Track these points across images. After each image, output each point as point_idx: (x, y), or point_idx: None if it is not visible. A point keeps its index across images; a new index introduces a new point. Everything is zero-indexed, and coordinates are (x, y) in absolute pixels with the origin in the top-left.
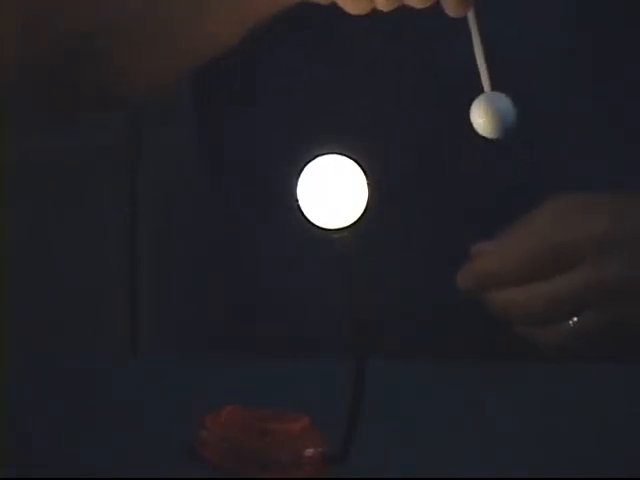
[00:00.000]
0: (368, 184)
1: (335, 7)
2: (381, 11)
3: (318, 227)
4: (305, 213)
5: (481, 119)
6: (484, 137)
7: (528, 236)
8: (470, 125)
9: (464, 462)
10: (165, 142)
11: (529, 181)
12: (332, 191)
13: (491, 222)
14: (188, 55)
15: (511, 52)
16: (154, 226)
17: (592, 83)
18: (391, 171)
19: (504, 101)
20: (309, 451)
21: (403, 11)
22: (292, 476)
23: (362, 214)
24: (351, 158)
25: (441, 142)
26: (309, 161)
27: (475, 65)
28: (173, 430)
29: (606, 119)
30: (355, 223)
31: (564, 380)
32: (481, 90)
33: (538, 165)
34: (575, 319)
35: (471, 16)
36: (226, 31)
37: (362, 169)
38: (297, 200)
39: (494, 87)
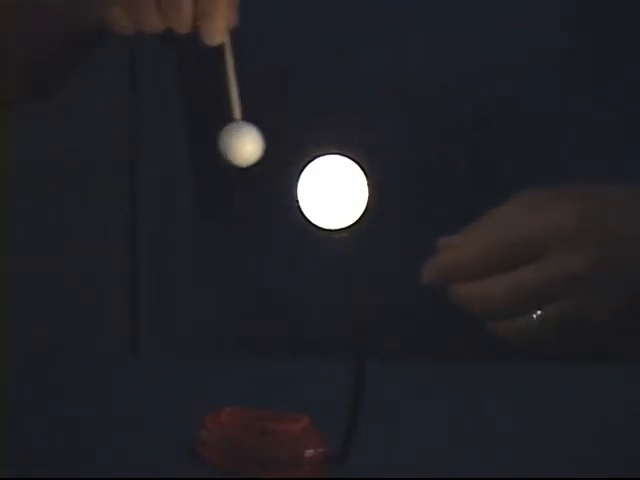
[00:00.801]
0: (368, 184)
1: None
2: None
3: (318, 227)
4: (305, 213)
5: (229, 150)
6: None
7: (492, 228)
8: (470, 126)
9: (464, 462)
10: (165, 142)
11: (529, 181)
12: (332, 191)
13: None
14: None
15: (511, 52)
16: (154, 226)
17: (592, 83)
18: (391, 171)
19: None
20: (309, 451)
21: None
22: (292, 476)
23: (362, 214)
24: (351, 158)
25: (441, 142)
26: (309, 161)
27: (474, 66)
28: (173, 430)
29: (606, 119)
30: (355, 223)
31: (564, 380)
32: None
33: (538, 165)
34: (539, 312)
35: (227, 44)
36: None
37: (362, 169)
38: (297, 200)
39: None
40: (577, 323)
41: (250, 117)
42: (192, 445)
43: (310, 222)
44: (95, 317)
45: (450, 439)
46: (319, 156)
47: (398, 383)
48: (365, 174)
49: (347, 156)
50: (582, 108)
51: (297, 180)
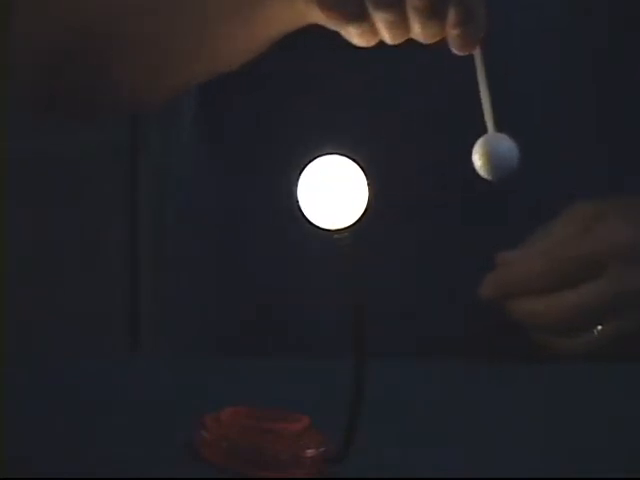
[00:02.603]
0: (368, 184)
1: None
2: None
3: (318, 227)
4: (305, 213)
5: (480, 161)
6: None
7: (551, 245)
8: (470, 126)
9: (464, 462)
10: (165, 142)
11: (528, 182)
12: (332, 191)
13: (491, 222)
14: (188, 73)
15: (511, 52)
16: (154, 226)
17: (594, 85)
18: (391, 171)
19: (505, 145)
20: (309, 451)
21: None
22: (292, 476)
23: (362, 214)
24: (351, 158)
25: (441, 143)
26: (309, 161)
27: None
28: (173, 430)
29: (609, 121)
30: (355, 223)
31: (564, 380)
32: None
33: (538, 165)
34: (600, 327)
35: (478, 54)
36: (231, 51)
37: (362, 169)
38: (297, 200)
39: (499, 127)
40: (634, 337)
41: (250, 117)
42: (192, 445)
43: (310, 222)
44: (95, 317)
45: (450, 439)
46: (319, 156)
47: (398, 383)
48: (365, 174)
49: (347, 156)
50: (584, 111)
51: (297, 180)
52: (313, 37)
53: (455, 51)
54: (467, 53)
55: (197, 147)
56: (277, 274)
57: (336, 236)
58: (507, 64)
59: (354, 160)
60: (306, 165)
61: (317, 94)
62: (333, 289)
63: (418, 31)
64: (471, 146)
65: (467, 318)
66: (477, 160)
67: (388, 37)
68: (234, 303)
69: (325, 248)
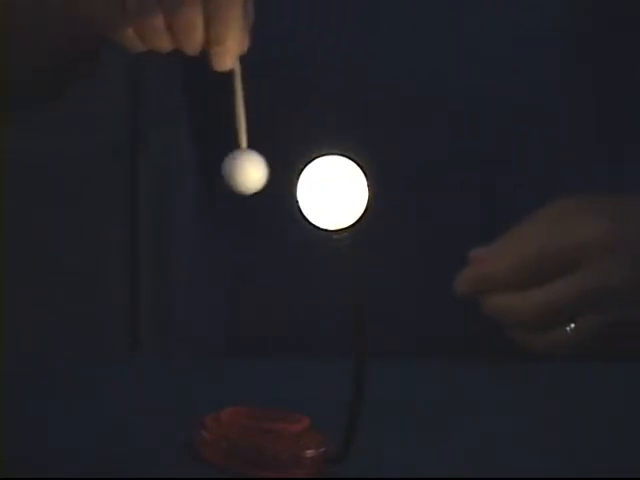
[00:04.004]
0: (368, 185)
1: None
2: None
3: (318, 227)
4: (305, 214)
5: (230, 177)
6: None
7: (524, 241)
8: (470, 127)
9: (464, 462)
10: (165, 142)
11: (528, 182)
12: (332, 192)
13: (490, 222)
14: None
15: (511, 52)
16: (154, 226)
17: (594, 84)
18: (391, 171)
19: (252, 162)
20: (309, 451)
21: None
22: (292, 476)
23: (362, 215)
24: (351, 159)
25: (441, 143)
26: (309, 162)
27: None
28: (173, 430)
29: (609, 121)
30: (355, 224)
31: (564, 380)
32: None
33: (538, 165)
34: (572, 325)
35: (237, 70)
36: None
37: (362, 170)
38: (297, 200)
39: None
40: (609, 335)
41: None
42: (192, 445)
43: (310, 222)
44: (95, 317)
45: (450, 439)
46: (319, 156)
47: (398, 383)
48: (365, 174)
49: (347, 156)
50: (582, 111)
51: (297, 180)
52: (313, 36)
53: (214, 66)
54: (225, 69)
55: (197, 147)
56: (277, 274)
57: (336, 236)
58: (507, 64)
59: (354, 160)
60: (306, 165)
61: (317, 94)
62: (333, 289)
63: (181, 42)
64: (472, 146)
65: (467, 318)
66: (227, 175)
67: (156, 44)
68: (234, 303)
69: (325, 248)
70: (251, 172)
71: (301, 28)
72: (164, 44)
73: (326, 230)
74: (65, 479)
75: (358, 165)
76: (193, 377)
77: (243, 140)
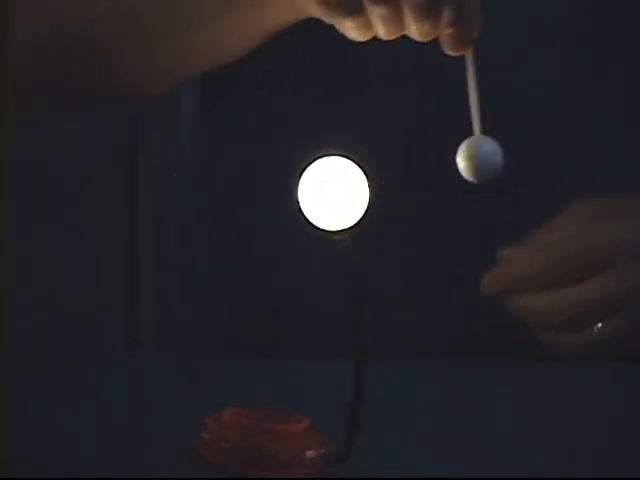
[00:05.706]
0: (368, 186)
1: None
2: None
3: (318, 228)
4: (306, 215)
5: (463, 163)
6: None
7: (556, 241)
8: (470, 127)
9: (464, 462)
10: (165, 142)
11: (529, 181)
12: (333, 193)
13: (491, 222)
14: (195, 59)
15: (511, 52)
16: (154, 226)
17: (594, 84)
18: (391, 172)
19: (490, 148)
20: (310, 452)
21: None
22: (292, 476)
23: (363, 216)
24: (352, 160)
25: (442, 144)
26: (310, 163)
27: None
28: (173, 430)
29: (609, 121)
30: (356, 225)
31: (565, 380)
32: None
33: (538, 165)
34: (600, 325)
35: (469, 56)
36: (241, 36)
37: (363, 171)
38: (297, 201)
39: (485, 130)
40: (632, 337)
41: (250, 116)
42: (193, 446)
43: (310, 223)
44: (95, 316)
45: (450, 439)
46: (319, 157)
47: (398, 383)
48: (365, 175)
49: (347, 157)
50: (582, 109)
51: (297, 181)
52: (312, 36)
53: (447, 51)
54: (459, 54)
55: (197, 147)
56: (277, 274)
57: (337, 237)
58: (507, 63)
59: (355, 161)
60: (307, 166)
61: (317, 94)
62: (333, 289)
63: (413, 28)
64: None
65: (467, 318)
66: (461, 162)
67: (382, 32)
68: (234, 303)
69: (325, 249)
70: (490, 158)
71: (301, 25)
72: (392, 32)
73: (327, 231)
74: (65, 479)
75: (359, 166)
76: (193, 377)
77: (477, 127)
